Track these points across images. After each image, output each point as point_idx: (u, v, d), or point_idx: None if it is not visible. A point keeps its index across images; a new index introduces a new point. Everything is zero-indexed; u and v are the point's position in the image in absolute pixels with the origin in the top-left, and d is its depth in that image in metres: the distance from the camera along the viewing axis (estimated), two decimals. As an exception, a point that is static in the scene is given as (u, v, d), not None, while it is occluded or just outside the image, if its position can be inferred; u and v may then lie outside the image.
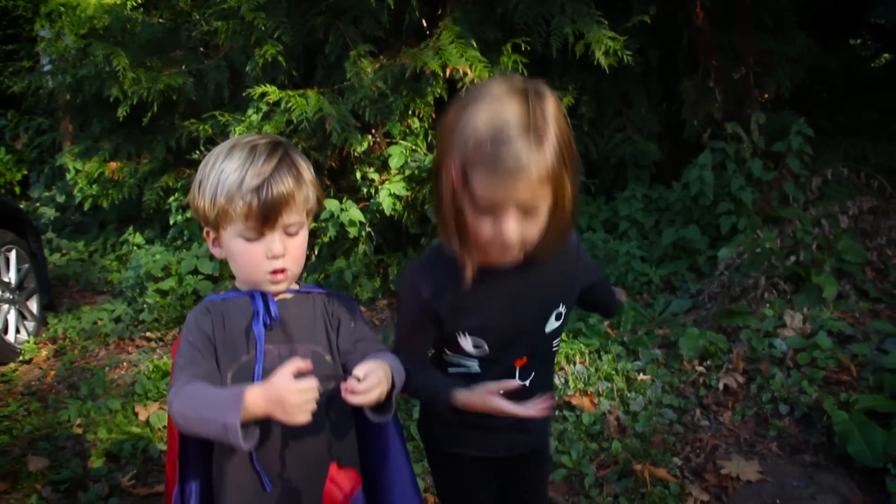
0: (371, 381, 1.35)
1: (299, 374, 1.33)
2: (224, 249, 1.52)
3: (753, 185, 4.62)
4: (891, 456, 2.58)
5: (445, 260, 1.46)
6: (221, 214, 1.45)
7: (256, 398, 1.31)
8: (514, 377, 1.55)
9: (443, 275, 1.48)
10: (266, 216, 1.43)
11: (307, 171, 1.52)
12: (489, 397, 1.45)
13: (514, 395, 1.49)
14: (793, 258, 3.93)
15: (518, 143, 1.22)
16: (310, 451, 1.51)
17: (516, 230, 1.30)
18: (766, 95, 5.35)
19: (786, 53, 5.18)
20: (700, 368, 3.41)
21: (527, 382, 1.58)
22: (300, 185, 1.48)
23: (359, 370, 1.36)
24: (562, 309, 1.59)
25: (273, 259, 1.47)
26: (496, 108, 1.25)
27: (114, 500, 2.91)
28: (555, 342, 1.63)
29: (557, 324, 1.59)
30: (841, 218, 4.19)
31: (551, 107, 1.28)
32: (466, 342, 1.53)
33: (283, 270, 1.49)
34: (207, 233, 1.55)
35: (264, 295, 1.52)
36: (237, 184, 1.43)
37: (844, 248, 3.92)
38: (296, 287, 1.59)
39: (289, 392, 1.30)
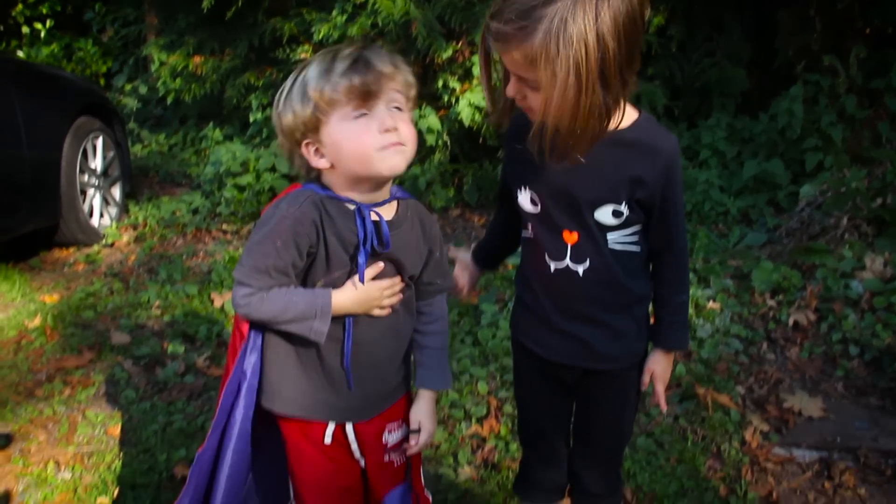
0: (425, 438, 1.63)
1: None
2: (330, 146, 1.39)
3: (845, 122, 4.45)
4: (962, 404, 2.55)
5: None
6: (319, 106, 1.35)
7: (345, 303, 1.44)
8: (564, 253, 1.57)
9: (523, 119, 1.53)
10: (368, 86, 1.34)
11: (400, 59, 1.44)
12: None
13: (566, 282, 1.58)
14: (879, 200, 3.81)
15: (497, 25, 1.30)
16: (383, 354, 1.56)
17: (513, 90, 1.41)
18: (869, 30, 5.09)
19: (895, -16, 4.90)
20: (771, 302, 3.37)
21: (579, 270, 1.57)
22: (396, 65, 1.39)
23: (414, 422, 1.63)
24: (623, 209, 1.53)
25: (387, 133, 1.36)
26: None
27: (189, 377, 3.05)
28: (612, 237, 1.56)
29: (614, 221, 1.54)
30: (936, 162, 4.03)
31: (577, 10, 1.23)
32: (525, 197, 1.59)
33: (401, 143, 1.38)
34: (307, 145, 1.41)
35: (375, 221, 1.43)
36: (325, 73, 1.35)
37: (936, 194, 3.78)
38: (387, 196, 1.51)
39: (378, 291, 1.46)
